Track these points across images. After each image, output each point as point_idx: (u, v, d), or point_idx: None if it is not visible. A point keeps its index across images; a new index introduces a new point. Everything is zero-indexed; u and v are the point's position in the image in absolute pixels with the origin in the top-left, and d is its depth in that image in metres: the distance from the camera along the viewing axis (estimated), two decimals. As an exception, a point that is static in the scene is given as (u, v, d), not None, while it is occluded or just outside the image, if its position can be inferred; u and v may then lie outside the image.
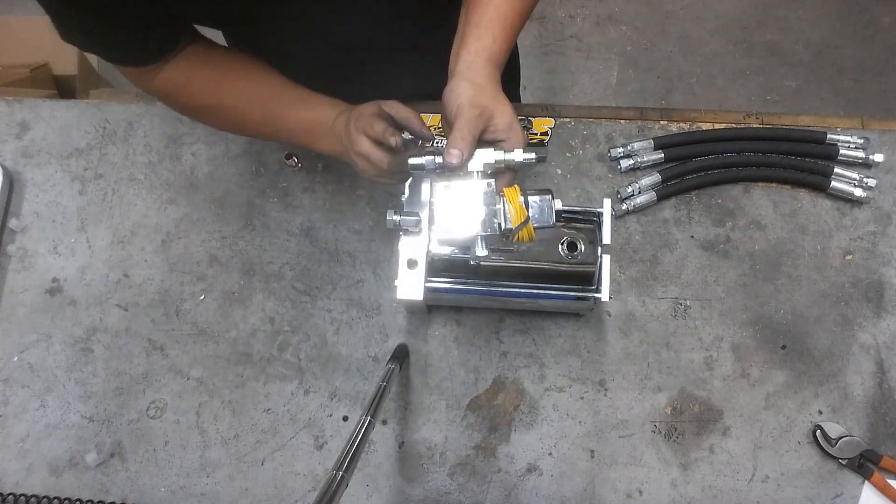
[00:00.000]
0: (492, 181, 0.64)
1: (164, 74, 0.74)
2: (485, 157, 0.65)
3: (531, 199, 0.64)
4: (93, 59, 1.90)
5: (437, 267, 0.76)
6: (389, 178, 0.74)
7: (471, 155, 0.64)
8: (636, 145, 0.94)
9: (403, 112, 0.69)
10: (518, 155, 0.65)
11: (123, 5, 0.64)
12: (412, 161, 0.66)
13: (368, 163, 0.71)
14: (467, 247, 0.65)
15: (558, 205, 0.65)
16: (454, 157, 0.63)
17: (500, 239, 0.65)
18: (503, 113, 0.65)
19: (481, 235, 0.63)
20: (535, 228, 0.64)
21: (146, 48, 0.71)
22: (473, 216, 0.63)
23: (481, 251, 0.64)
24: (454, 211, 0.64)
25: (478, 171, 0.65)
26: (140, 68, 0.73)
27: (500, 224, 0.63)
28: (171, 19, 0.71)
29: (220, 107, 0.77)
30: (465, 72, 0.65)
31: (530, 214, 0.63)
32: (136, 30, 0.68)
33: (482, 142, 0.67)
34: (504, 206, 0.64)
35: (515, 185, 0.66)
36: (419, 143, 0.71)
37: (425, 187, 0.73)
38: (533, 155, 0.65)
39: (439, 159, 0.65)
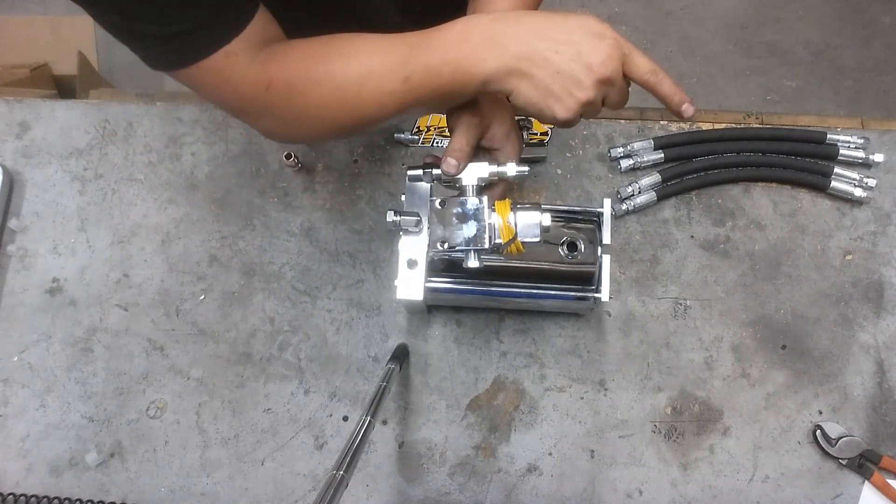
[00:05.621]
0: (484, 197, 0.66)
1: (255, 65, 0.59)
2: (479, 171, 0.67)
3: (520, 215, 0.66)
4: (93, 58, 1.89)
5: (437, 267, 0.76)
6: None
7: (466, 164, 0.66)
8: (636, 145, 0.94)
9: None
10: (511, 169, 0.67)
11: None
12: (410, 172, 0.69)
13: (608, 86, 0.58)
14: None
15: (546, 220, 0.67)
16: (451, 166, 0.65)
17: (491, 251, 0.67)
18: (502, 122, 0.66)
19: (473, 249, 0.66)
20: (522, 243, 0.67)
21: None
22: (466, 232, 0.65)
23: (473, 262, 0.66)
24: (448, 227, 0.66)
25: (472, 185, 0.67)
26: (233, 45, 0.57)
27: (490, 238, 0.65)
28: None
29: (335, 75, 0.61)
30: None
31: (518, 231, 0.66)
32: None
33: (479, 148, 0.68)
34: (495, 220, 0.66)
35: (507, 200, 0.67)
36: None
37: (425, 187, 0.74)
38: (526, 168, 0.67)
39: (437, 170, 0.67)
